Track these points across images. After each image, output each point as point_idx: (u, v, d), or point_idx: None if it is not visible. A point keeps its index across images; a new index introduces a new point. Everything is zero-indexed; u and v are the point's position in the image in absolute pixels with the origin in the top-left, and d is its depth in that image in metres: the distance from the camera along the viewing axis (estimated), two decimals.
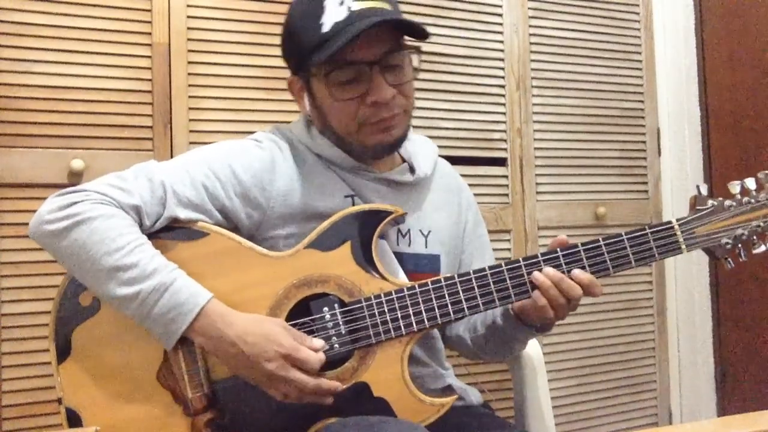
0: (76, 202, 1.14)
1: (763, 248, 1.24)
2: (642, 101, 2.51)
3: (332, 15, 1.21)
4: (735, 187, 1.25)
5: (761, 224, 1.23)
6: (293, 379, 1.10)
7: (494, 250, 1.54)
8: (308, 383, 1.11)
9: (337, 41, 1.18)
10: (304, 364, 1.11)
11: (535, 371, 1.63)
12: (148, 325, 1.12)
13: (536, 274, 1.19)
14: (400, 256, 1.32)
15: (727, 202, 1.24)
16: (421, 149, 1.43)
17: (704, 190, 1.25)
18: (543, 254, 1.21)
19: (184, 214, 1.20)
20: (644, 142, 2.51)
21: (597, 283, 1.20)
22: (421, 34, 1.25)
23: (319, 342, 1.15)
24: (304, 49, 1.24)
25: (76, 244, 1.12)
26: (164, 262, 1.13)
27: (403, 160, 1.42)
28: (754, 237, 1.24)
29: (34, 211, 1.17)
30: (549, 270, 1.19)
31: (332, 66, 1.22)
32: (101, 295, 1.14)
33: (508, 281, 1.20)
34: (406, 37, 1.28)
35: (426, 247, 1.37)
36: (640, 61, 2.51)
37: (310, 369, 1.11)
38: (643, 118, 2.51)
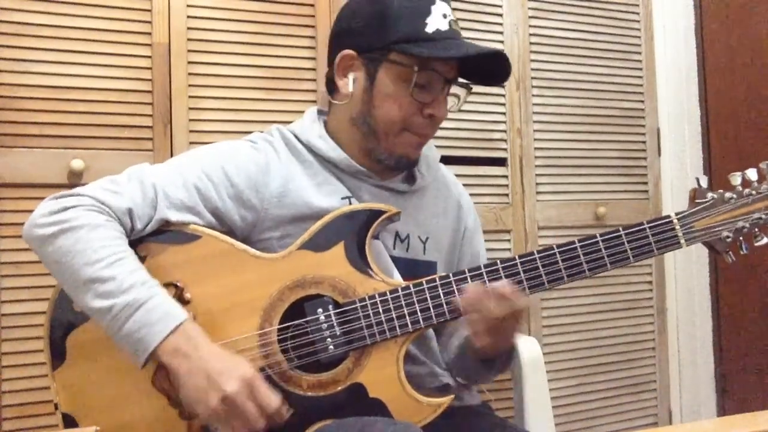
0: (67, 208, 1.14)
1: (765, 240, 1.22)
2: (642, 101, 2.51)
3: (437, 21, 1.25)
4: (736, 178, 1.22)
5: (763, 216, 1.20)
6: (246, 411, 1.05)
7: (494, 250, 1.54)
8: (258, 423, 1.06)
9: (450, 48, 1.24)
10: (262, 399, 1.07)
11: (535, 371, 1.64)
12: (118, 342, 1.10)
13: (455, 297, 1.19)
14: (397, 261, 1.32)
15: (728, 195, 1.22)
16: (423, 156, 1.42)
17: (704, 183, 1.23)
18: (539, 251, 1.21)
19: (175, 216, 1.20)
20: (644, 142, 2.51)
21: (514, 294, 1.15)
22: (502, 77, 1.31)
23: (277, 399, 1.09)
24: (400, 35, 1.24)
25: (60, 251, 1.12)
26: (143, 279, 1.11)
27: None
28: (756, 229, 1.21)
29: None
30: (469, 287, 1.17)
31: (425, 65, 1.24)
32: (79, 305, 1.13)
33: (504, 279, 1.20)
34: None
35: (424, 253, 1.37)
36: (640, 61, 2.51)
37: (265, 407, 1.07)
38: (643, 118, 2.51)
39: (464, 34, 2.16)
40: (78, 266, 1.10)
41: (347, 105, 1.31)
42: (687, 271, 2.53)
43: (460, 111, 2.17)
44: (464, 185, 1.55)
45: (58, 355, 1.17)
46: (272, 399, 1.07)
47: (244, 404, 1.05)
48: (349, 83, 1.30)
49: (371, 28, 1.27)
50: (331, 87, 1.35)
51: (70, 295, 1.14)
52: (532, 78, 2.32)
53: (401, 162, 1.32)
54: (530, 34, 2.32)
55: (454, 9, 2.14)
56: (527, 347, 1.56)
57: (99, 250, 1.10)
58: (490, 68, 1.30)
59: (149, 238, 1.19)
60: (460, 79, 1.32)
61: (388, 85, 1.26)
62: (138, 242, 1.18)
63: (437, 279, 1.20)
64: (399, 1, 1.25)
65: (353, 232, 1.22)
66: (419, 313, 1.18)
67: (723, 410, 2.49)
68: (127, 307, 1.07)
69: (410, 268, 1.33)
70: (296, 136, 1.34)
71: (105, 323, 1.09)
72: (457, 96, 1.36)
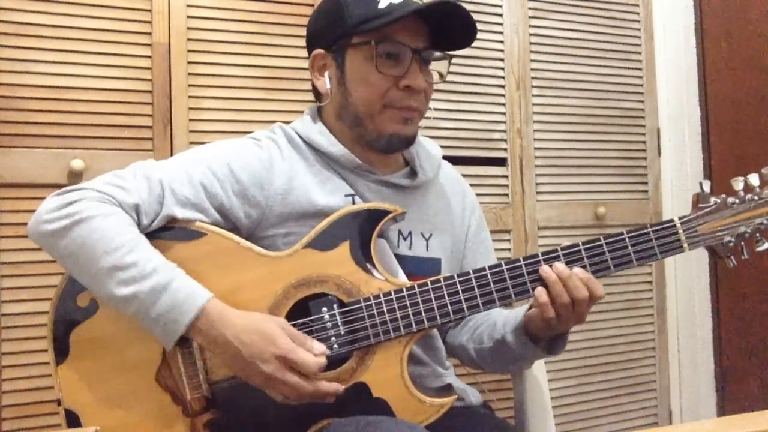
0: (74, 201, 1.14)
1: (766, 245, 1.22)
2: (642, 101, 2.51)
3: None
4: (738, 183, 1.23)
5: (765, 221, 1.21)
6: (289, 383, 1.09)
7: (495, 250, 1.53)
8: (305, 388, 1.10)
9: (396, 13, 1.22)
10: (300, 366, 1.09)
11: (535, 371, 1.63)
12: (147, 326, 1.11)
13: (545, 267, 1.19)
14: (400, 259, 1.32)
15: (730, 200, 1.22)
16: (424, 151, 1.43)
17: (707, 188, 1.23)
18: (543, 253, 1.21)
19: (181, 213, 1.20)
20: (644, 142, 2.51)
21: (597, 283, 1.19)
22: (467, 34, 1.30)
23: (320, 346, 1.13)
24: (355, 19, 1.25)
25: (75, 243, 1.12)
26: (163, 261, 1.13)
27: (407, 163, 1.42)
28: (758, 234, 1.22)
29: (34, 211, 1.17)
30: (559, 265, 1.18)
31: (384, 37, 1.25)
32: (100, 295, 1.14)
33: (508, 281, 1.20)
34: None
35: (427, 250, 1.37)
36: (640, 61, 2.51)
37: (306, 371, 1.10)
38: (643, 118, 2.51)
39: None
40: (97, 255, 1.10)
41: (331, 103, 1.34)
42: (687, 271, 2.53)
43: (460, 111, 2.19)
44: None
45: (61, 350, 1.17)
46: (310, 363, 1.10)
47: (285, 379, 1.09)
48: (326, 81, 1.33)
49: (330, 23, 1.31)
50: (316, 91, 1.39)
51: (90, 286, 1.15)
52: (532, 78, 2.32)
53: (393, 141, 1.31)
54: (530, 34, 2.32)
55: None
56: None
57: (116, 237, 1.11)
58: (459, 32, 1.31)
59: (154, 235, 1.19)
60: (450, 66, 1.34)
61: (356, 68, 1.28)
62: None
63: (442, 279, 1.20)
64: None
65: (359, 232, 1.22)
66: (423, 314, 1.18)
67: (723, 410, 2.49)
68: (152, 291, 1.09)
69: (414, 265, 1.33)
70: (298, 134, 1.34)
71: (132, 310, 1.10)
72: (440, 73, 1.36)
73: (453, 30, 1.30)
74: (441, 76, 1.36)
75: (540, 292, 1.18)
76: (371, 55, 1.26)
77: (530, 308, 1.25)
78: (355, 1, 1.26)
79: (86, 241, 1.11)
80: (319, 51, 1.33)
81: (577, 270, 1.18)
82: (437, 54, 1.33)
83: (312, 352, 1.11)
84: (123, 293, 1.09)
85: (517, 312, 1.31)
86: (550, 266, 1.18)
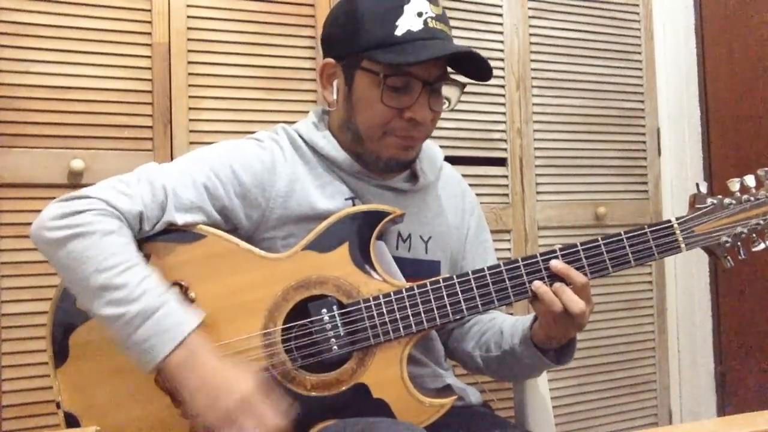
0: (78, 212, 1.13)
1: (762, 246, 1.23)
2: (642, 101, 2.51)
3: (408, 22, 1.21)
4: (734, 184, 1.24)
5: (761, 222, 1.22)
6: (244, 428, 1.05)
7: (494, 250, 1.53)
8: (272, 420, 1.07)
9: (414, 52, 1.18)
10: (261, 417, 1.07)
11: None
12: (126, 350, 1.09)
13: (536, 282, 1.20)
14: (399, 261, 1.31)
15: (727, 200, 1.23)
16: (426, 155, 1.42)
17: (704, 188, 1.24)
18: (542, 254, 1.21)
19: (182, 219, 1.20)
20: (644, 142, 2.51)
21: (576, 273, 1.19)
22: (483, 74, 1.26)
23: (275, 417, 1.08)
24: (368, 42, 1.22)
25: (71, 256, 1.11)
26: (153, 286, 1.11)
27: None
28: (754, 235, 1.23)
29: (34, 211, 1.17)
30: (556, 285, 1.19)
31: (393, 71, 1.21)
32: (89, 311, 1.13)
33: (507, 282, 1.20)
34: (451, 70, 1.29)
35: (426, 252, 1.37)
36: (640, 61, 2.51)
37: (264, 424, 1.06)
38: (643, 118, 2.51)
39: (464, 34, 2.20)
40: (89, 273, 1.09)
41: (336, 113, 1.33)
42: (687, 272, 2.53)
43: (460, 111, 2.19)
44: None
45: (60, 353, 1.17)
46: (269, 418, 1.07)
47: (242, 423, 1.06)
48: (333, 91, 1.30)
49: (345, 36, 1.26)
50: None
51: (80, 300, 1.14)
52: (532, 78, 2.32)
53: (390, 165, 1.31)
54: (530, 34, 2.32)
55: (453, 9, 2.17)
56: None
57: (110, 257, 1.10)
58: (477, 64, 1.26)
59: (154, 237, 1.19)
60: (453, 77, 1.30)
61: (364, 91, 1.25)
62: (143, 241, 1.18)
63: (441, 281, 1.20)
64: (369, 4, 1.23)
65: (358, 233, 1.22)
66: (423, 315, 1.19)
67: (723, 410, 2.49)
68: (138, 315, 1.07)
69: (413, 268, 1.33)
70: (301, 136, 1.34)
71: (115, 330, 1.09)
72: (447, 99, 1.32)
73: (471, 62, 1.26)
74: (449, 101, 1.32)
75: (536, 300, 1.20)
76: (379, 83, 1.22)
77: (534, 320, 1.26)
78: (374, 18, 1.22)
79: (81, 257, 1.10)
80: (329, 61, 1.30)
81: (554, 263, 1.20)
82: (449, 82, 1.29)
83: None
84: (108, 313, 1.08)
85: (524, 321, 1.30)
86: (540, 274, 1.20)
